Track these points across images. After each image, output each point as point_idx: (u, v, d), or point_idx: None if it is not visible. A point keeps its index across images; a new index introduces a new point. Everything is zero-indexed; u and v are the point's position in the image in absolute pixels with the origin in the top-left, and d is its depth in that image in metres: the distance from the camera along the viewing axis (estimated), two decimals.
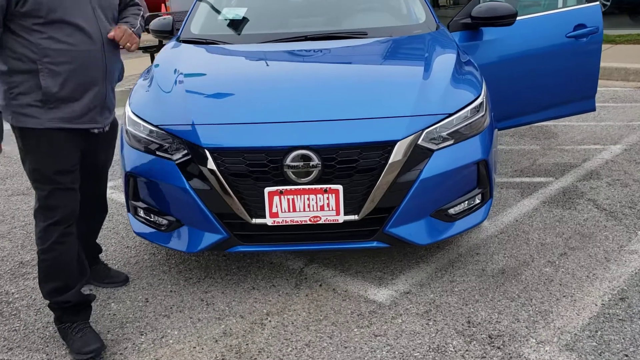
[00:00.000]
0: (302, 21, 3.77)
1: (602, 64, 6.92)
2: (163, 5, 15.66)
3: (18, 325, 2.56)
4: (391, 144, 2.50)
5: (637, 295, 2.53)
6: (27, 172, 2.32)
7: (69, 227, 2.31)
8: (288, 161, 2.49)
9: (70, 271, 2.34)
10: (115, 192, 4.07)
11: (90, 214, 2.66)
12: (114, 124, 2.61)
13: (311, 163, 2.48)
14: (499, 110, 3.96)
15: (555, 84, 3.99)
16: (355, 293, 2.68)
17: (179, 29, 3.86)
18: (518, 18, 3.95)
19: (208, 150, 2.51)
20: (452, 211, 2.72)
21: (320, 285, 2.77)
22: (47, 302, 2.38)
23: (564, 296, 2.56)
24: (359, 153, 2.50)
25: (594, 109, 4.19)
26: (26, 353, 2.36)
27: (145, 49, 8.31)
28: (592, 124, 5.20)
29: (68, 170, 2.28)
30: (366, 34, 3.47)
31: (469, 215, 2.78)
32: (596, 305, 2.48)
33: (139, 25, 2.56)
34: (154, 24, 3.96)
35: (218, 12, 3.93)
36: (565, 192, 3.71)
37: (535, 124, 5.13)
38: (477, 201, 2.81)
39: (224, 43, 3.48)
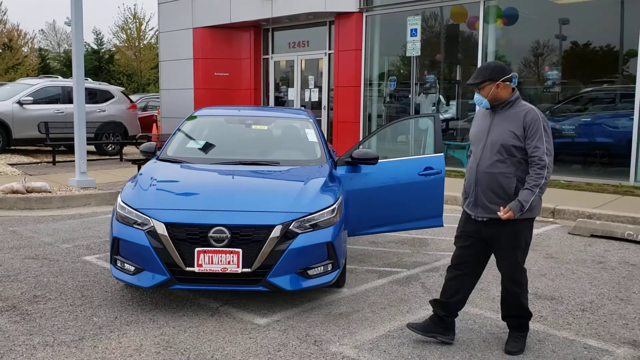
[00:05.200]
0: (240, 151, 5.70)
1: None
2: (155, 124, 17.98)
3: (34, 325, 4.14)
4: (272, 227, 4.29)
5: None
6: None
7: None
8: (211, 233, 4.25)
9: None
10: (99, 261, 5.73)
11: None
12: (502, 224, 3.65)
13: (224, 235, 4.25)
14: (369, 220, 5.78)
15: (409, 205, 5.85)
16: (247, 319, 4.32)
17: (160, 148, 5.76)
18: (389, 159, 5.94)
19: (164, 224, 4.28)
20: (310, 272, 4.44)
21: (227, 315, 4.41)
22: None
23: (371, 319, 4.23)
24: (253, 230, 4.28)
25: (441, 225, 6.03)
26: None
27: (134, 161, 10.27)
28: None
29: (458, 236, 3.93)
30: (279, 163, 5.39)
31: (322, 276, 4.51)
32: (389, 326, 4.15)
33: (530, 201, 3.54)
34: (143, 147, 5.84)
35: (188, 140, 5.86)
36: (408, 277, 5.45)
37: (417, 236, 6.97)
38: (330, 268, 4.56)
39: (187, 163, 5.36)
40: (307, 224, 4.43)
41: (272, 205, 4.48)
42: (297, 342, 3.95)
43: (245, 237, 4.28)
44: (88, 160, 9.99)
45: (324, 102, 14.67)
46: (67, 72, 32.99)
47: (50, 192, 8.70)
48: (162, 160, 5.47)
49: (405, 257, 6.20)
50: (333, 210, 4.63)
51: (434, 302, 4.03)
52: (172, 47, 16.95)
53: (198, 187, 4.80)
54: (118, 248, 4.52)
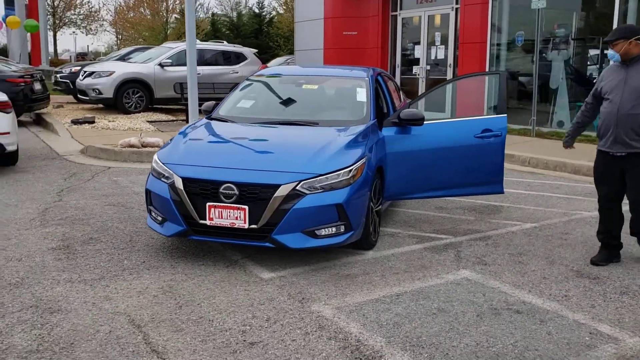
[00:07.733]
0: (284, 112, 5.76)
1: None
2: None
3: (70, 264, 4.67)
4: (277, 186, 4.35)
5: (433, 293, 4.04)
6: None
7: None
8: (221, 189, 4.42)
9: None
10: None
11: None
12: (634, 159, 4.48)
13: (233, 192, 4.39)
14: (417, 183, 5.55)
15: (463, 170, 5.50)
16: (255, 273, 4.46)
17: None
18: (444, 120, 5.62)
19: (181, 178, 4.53)
20: (318, 232, 4.44)
21: (240, 268, 4.58)
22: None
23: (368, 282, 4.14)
24: (259, 188, 4.37)
25: (502, 192, 5.61)
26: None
27: None
28: (539, 209, 6.47)
29: (600, 178, 4.73)
30: (317, 123, 5.37)
31: (332, 237, 4.48)
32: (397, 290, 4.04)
33: None
34: (204, 106, 6.13)
35: (240, 100, 6.05)
36: (448, 245, 5.18)
37: (492, 203, 6.55)
38: (342, 230, 4.51)
39: (232, 122, 5.56)
40: (317, 185, 4.41)
41: (283, 165, 4.51)
42: (284, 297, 4.01)
43: (252, 195, 4.39)
44: None
45: (449, 60, 14.04)
46: (230, 35, 35.12)
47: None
48: (213, 119, 5.72)
49: (462, 224, 5.87)
50: (349, 172, 4.54)
51: (600, 236, 4.82)
52: (305, 7, 17.26)
53: (220, 146, 4.99)
54: (151, 199, 4.88)
